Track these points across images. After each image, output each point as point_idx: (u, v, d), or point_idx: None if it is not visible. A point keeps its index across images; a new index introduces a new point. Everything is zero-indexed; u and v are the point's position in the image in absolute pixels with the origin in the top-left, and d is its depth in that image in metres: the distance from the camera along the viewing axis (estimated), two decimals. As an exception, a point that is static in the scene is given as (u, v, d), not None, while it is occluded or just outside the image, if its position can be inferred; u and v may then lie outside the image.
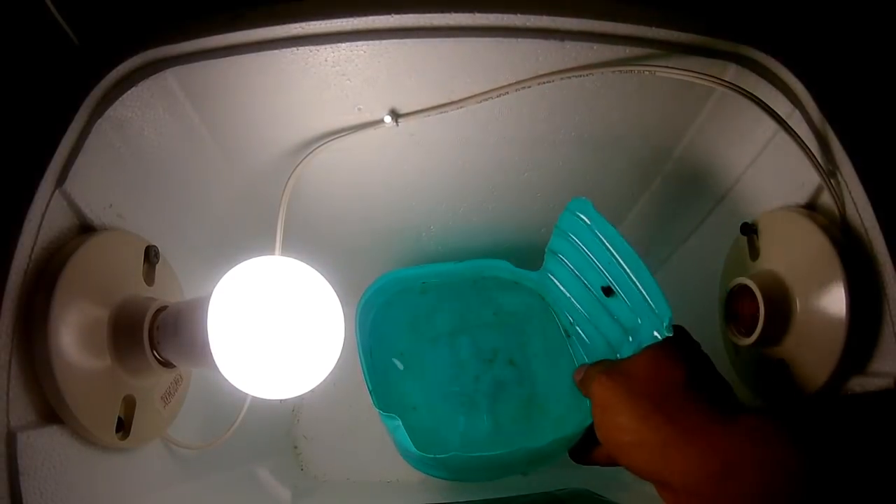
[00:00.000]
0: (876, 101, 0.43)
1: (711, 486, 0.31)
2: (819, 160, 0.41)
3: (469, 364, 0.61)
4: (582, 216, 0.50)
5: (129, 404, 0.38)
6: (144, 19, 0.41)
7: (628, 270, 0.45)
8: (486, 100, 0.45)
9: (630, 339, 0.47)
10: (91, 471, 0.36)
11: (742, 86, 0.42)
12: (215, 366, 0.35)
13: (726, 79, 0.43)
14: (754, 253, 0.48)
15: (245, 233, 0.55)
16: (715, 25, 0.43)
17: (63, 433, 0.33)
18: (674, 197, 0.58)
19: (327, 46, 0.41)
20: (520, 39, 0.42)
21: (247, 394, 0.46)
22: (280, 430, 0.64)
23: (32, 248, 0.33)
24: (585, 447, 0.44)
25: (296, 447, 0.65)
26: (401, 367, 0.61)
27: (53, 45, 0.40)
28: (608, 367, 0.39)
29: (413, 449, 0.48)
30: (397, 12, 0.40)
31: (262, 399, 0.40)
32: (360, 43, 0.41)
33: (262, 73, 0.42)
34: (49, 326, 0.32)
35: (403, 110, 0.47)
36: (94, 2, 0.40)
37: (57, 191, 0.34)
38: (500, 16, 0.41)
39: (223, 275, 0.37)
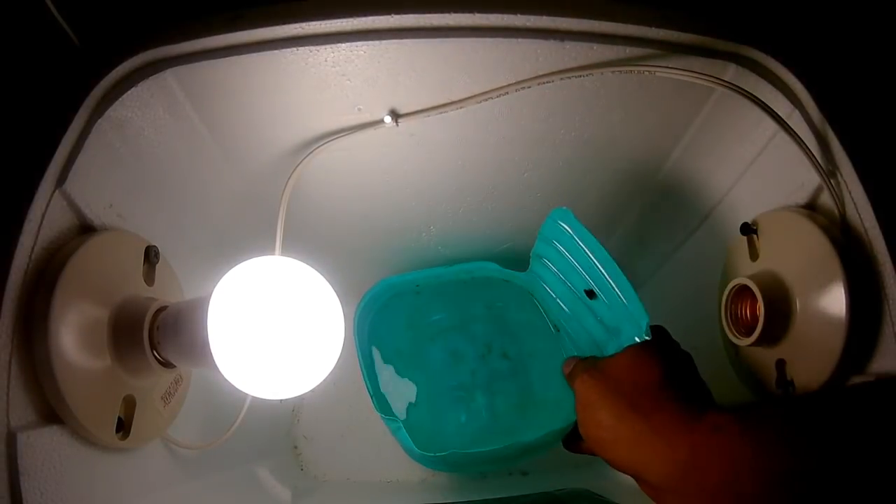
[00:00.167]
0: (876, 101, 0.43)
1: (678, 480, 0.33)
2: (819, 160, 0.41)
3: (465, 359, 0.63)
4: (564, 225, 0.51)
5: (129, 404, 0.38)
6: (144, 19, 0.41)
7: (608, 276, 0.47)
8: (486, 100, 0.45)
9: (613, 338, 0.48)
10: (91, 471, 0.35)
11: (742, 86, 0.42)
12: (215, 366, 0.36)
13: (726, 79, 0.43)
14: (754, 253, 0.48)
15: (245, 233, 0.55)
16: (715, 25, 0.43)
17: (63, 433, 0.33)
18: (674, 197, 0.58)
19: (327, 46, 0.41)
20: (520, 39, 0.42)
21: (247, 394, 0.46)
22: (280, 430, 0.64)
23: (32, 248, 0.33)
24: (576, 437, 0.47)
25: (296, 447, 0.65)
26: (400, 366, 0.62)
27: (53, 45, 0.40)
28: (591, 366, 0.40)
29: (415, 449, 0.50)
30: (397, 12, 0.40)
31: (262, 399, 0.40)
32: (360, 43, 0.41)
33: (262, 73, 0.42)
34: (49, 326, 0.32)
35: (403, 110, 0.47)
36: (94, 2, 0.40)
37: (57, 191, 0.34)
38: (500, 16, 0.41)
39: (223, 275, 0.37)
